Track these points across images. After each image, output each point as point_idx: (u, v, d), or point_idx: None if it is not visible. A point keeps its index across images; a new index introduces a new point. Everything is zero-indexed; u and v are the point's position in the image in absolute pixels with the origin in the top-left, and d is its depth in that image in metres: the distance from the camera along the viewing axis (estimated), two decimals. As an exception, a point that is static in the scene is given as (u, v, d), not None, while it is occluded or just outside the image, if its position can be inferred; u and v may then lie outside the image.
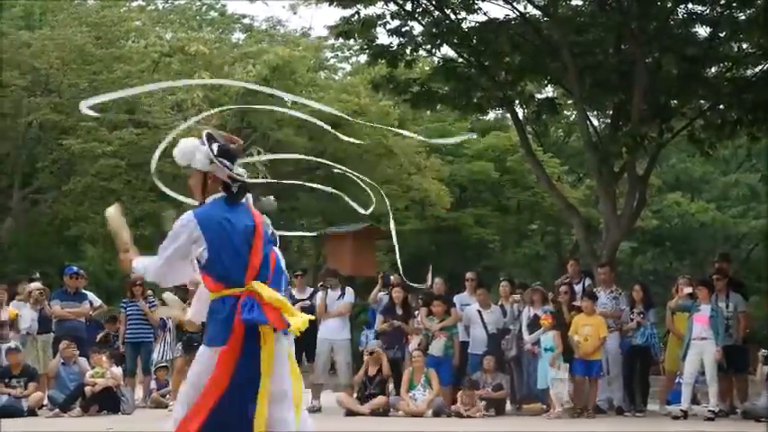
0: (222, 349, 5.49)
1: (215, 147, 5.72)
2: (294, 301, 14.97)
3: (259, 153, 21.60)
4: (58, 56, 24.82)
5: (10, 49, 24.76)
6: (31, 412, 13.85)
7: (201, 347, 5.70)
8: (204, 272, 5.61)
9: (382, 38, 19.40)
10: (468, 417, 13.66)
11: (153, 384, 15.89)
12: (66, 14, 26.92)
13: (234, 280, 5.50)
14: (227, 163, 5.72)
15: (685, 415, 13.50)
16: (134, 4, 31.31)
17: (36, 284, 15.73)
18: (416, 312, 15.11)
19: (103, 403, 14.02)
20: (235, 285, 5.49)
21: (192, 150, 5.76)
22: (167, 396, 15.58)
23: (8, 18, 28.54)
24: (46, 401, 14.38)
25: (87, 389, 13.96)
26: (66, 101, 24.51)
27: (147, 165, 23.05)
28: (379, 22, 18.98)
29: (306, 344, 15.08)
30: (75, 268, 16.70)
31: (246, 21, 33.59)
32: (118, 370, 14.55)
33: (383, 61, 19.71)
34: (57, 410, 13.81)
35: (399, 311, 14.98)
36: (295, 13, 24.34)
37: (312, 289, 15.62)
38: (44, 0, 29.58)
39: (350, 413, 14.06)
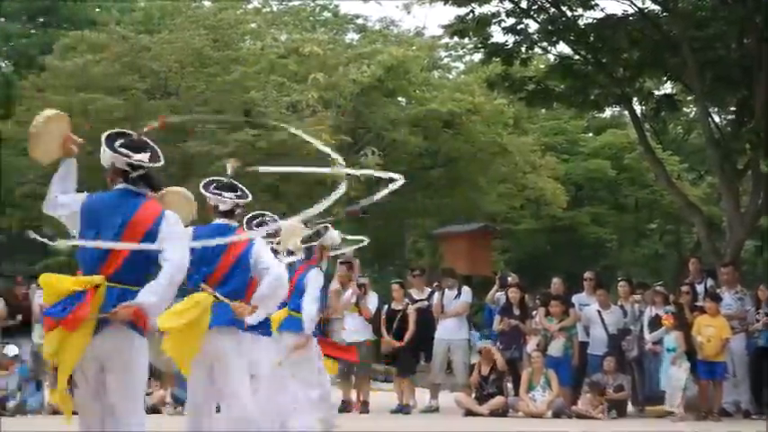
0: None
1: (117, 142, 5.97)
2: (413, 301, 15.00)
3: (373, 153, 21.59)
4: (177, 59, 25.22)
5: (130, 52, 25.23)
6: (154, 410, 14.04)
7: None
8: None
9: (497, 36, 19.32)
10: (591, 418, 13.47)
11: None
12: (183, 18, 27.34)
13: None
14: (125, 151, 5.91)
15: (816, 419, 13.09)
16: (250, 6, 31.67)
17: None
18: (534, 313, 14.98)
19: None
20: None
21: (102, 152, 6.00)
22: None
23: (129, 22, 29.14)
24: (169, 399, 14.58)
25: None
26: (184, 103, 24.90)
27: (263, 165, 23.28)
28: (494, 21, 18.86)
29: (423, 344, 15.10)
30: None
31: (360, 21, 33.71)
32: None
33: (498, 59, 19.59)
34: (179, 408, 13.98)
35: (516, 311, 14.86)
36: (409, 13, 24.33)
37: (430, 289, 15.56)
38: (163, 1, 30.13)
39: (469, 413, 14.00)
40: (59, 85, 24.35)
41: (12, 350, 13.91)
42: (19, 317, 14.85)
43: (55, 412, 12.38)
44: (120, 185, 5.91)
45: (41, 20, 35.78)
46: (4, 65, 38.51)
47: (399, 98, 29.69)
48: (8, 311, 15.10)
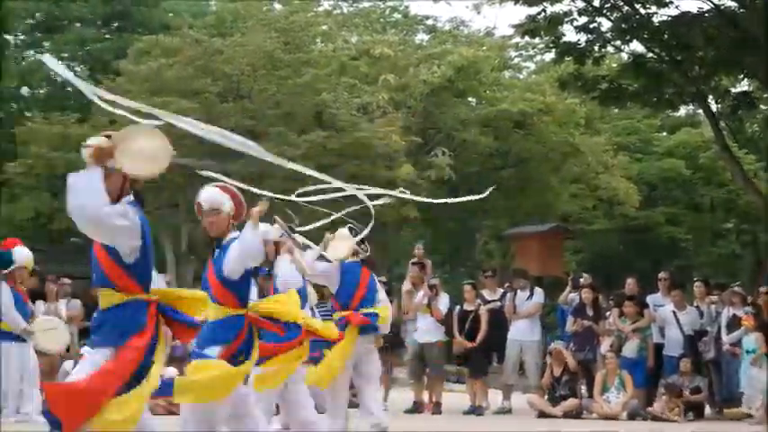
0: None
1: None
2: (485, 302, 14.94)
3: (444, 154, 21.56)
4: (249, 62, 25.41)
5: (203, 56, 25.47)
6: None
7: None
8: None
9: (569, 35, 19.15)
10: (667, 420, 13.30)
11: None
12: (255, 21, 27.54)
13: None
14: None
15: None
16: (320, 8, 31.81)
17: None
18: (607, 313, 14.84)
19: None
20: None
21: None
22: (357, 396, 15.74)
23: (201, 26, 29.41)
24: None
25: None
26: (256, 106, 25.08)
27: (333, 167, 23.49)
28: (566, 19, 18.68)
29: (496, 345, 15.03)
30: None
31: (430, 22, 33.68)
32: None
33: (570, 59, 19.41)
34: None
35: (590, 312, 14.73)
36: (479, 13, 24.19)
37: (502, 290, 15.48)
38: (235, 2, 30.35)
39: (542, 415, 13.91)
40: (134, 90, 24.63)
41: (89, 351, 14.11)
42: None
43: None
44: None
45: (116, 25, 36.25)
46: (79, 70, 39.13)
47: (470, 98, 29.62)
48: (85, 313, 15.33)
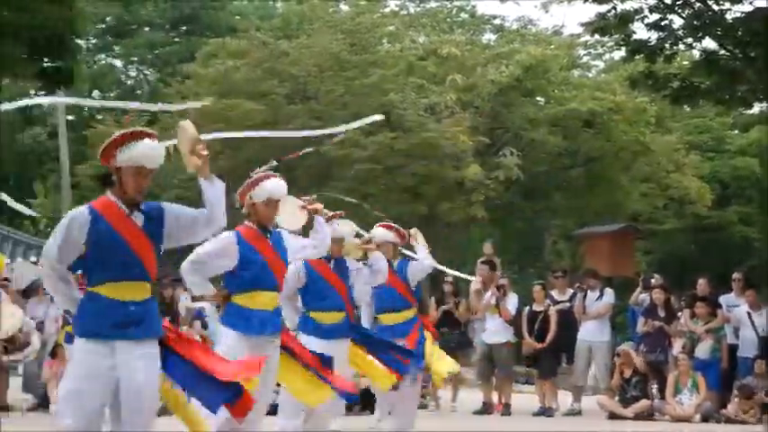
0: None
1: None
2: (555, 303, 14.79)
3: (512, 154, 21.45)
4: (315, 63, 25.48)
5: (270, 58, 25.60)
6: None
7: None
8: None
9: (640, 32, 18.88)
10: (742, 422, 13.05)
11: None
12: (322, 23, 27.62)
13: None
14: None
15: None
16: (387, 9, 31.77)
17: None
18: (679, 314, 14.61)
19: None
20: None
21: None
22: (426, 396, 15.67)
23: (268, 29, 29.56)
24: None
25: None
26: (323, 107, 25.12)
27: (401, 168, 23.45)
28: (636, 17, 18.44)
29: (565, 346, 14.87)
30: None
31: (497, 21, 33.49)
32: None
33: (640, 57, 19.16)
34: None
35: (661, 313, 14.52)
36: (547, 12, 23.91)
37: (572, 290, 15.30)
38: (301, 4, 30.44)
39: (612, 416, 13.73)
40: (202, 92, 24.84)
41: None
42: (167, 318, 15.11)
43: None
44: None
45: (184, 28, 36.67)
46: (148, 73, 39.61)
47: (538, 98, 29.38)
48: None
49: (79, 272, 5.84)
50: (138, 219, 5.62)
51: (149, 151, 5.65)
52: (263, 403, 6.93)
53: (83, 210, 5.61)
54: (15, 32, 16.11)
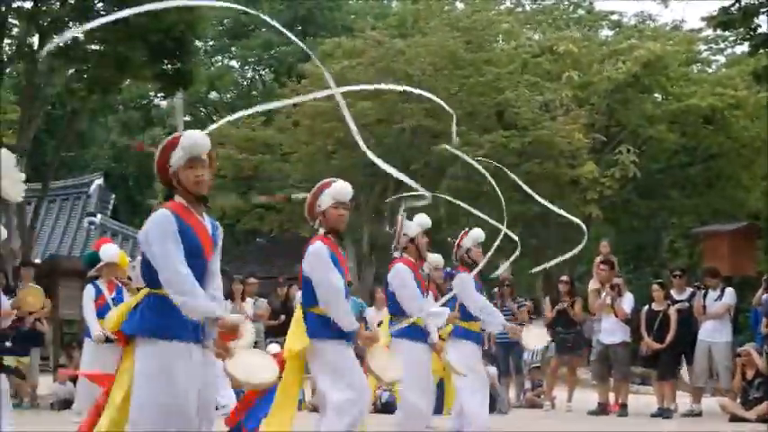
0: None
1: None
2: (673, 302, 14.51)
3: (629, 151, 21.09)
4: (431, 62, 25.47)
5: (385, 57, 25.69)
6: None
7: None
8: None
9: (765, 26, 18.40)
10: None
11: (527, 384, 15.99)
12: (437, 21, 27.61)
13: None
14: None
15: None
16: (503, 6, 31.61)
17: None
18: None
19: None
20: None
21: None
22: (542, 396, 15.61)
23: (383, 27, 29.68)
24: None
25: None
26: (437, 106, 25.07)
27: (515, 166, 23.32)
28: (762, 10, 17.99)
29: (685, 346, 14.58)
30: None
31: (615, 17, 33.00)
32: (492, 369, 14.60)
33: (765, 51, 18.67)
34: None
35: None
36: (666, 6, 23.52)
37: (691, 290, 15.00)
38: (417, 2, 30.47)
39: (734, 418, 13.39)
40: (317, 92, 25.06)
41: (274, 348, 14.37)
42: (282, 317, 15.30)
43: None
44: None
45: (299, 28, 37.02)
46: (264, 73, 40.14)
47: (655, 94, 28.91)
48: (271, 312, 15.66)
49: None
50: (208, 224, 5.54)
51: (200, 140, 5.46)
52: None
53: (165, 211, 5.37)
54: (141, 36, 16.47)
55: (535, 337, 10.37)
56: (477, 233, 9.60)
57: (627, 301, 14.65)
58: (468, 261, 9.46)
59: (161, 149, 5.46)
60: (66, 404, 13.75)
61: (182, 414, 5.18)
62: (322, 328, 6.77)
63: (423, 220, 8.51)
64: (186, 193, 5.41)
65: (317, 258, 6.79)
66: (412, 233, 8.45)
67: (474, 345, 9.42)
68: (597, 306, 14.85)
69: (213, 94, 39.67)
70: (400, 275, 8.24)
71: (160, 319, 5.24)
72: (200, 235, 5.40)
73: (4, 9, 17.40)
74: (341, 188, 6.94)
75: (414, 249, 8.46)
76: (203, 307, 5.19)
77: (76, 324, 18.12)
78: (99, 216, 26.61)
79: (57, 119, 31.11)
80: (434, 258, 10.53)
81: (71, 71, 18.84)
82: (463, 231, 9.83)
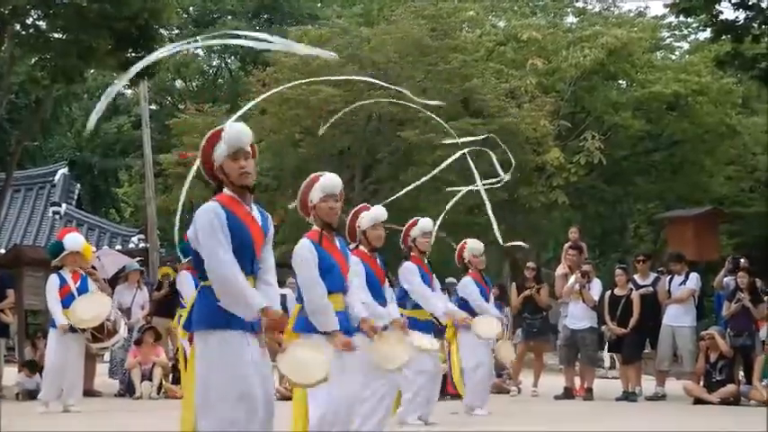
0: None
1: None
2: (637, 287, 14.62)
3: (593, 137, 21.24)
4: (396, 49, 25.42)
5: (351, 45, 25.64)
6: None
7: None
8: None
9: (726, 12, 18.48)
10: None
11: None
12: (403, 9, 27.58)
13: None
14: None
15: None
16: (467, -6, 31.64)
17: None
18: (766, 298, 14.33)
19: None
20: None
21: None
22: (508, 381, 15.67)
23: (349, 16, 29.64)
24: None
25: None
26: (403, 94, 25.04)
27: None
28: (722, -4, 18.06)
29: (649, 330, 14.70)
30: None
31: (579, 4, 33.11)
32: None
33: (727, 37, 18.77)
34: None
35: (747, 297, 14.24)
36: (630, -7, 23.66)
37: (655, 275, 15.11)
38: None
39: (698, 401, 13.53)
40: (283, 79, 24.99)
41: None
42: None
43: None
44: None
45: (265, 16, 36.90)
46: (230, 62, 39.99)
47: (620, 81, 29.06)
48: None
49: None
50: (257, 214, 5.56)
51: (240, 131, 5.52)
52: None
53: (212, 204, 5.40)
54: (106, 24, 16.35)
55: (487, 327, 10.70)
56: (425, 223, 9.75)
57: (595, 288, 14.73)
58: (415, 250, 9.71)
59: (203, 145, 5.53)
60: (31, 395, 13.68)
61: (246, 398, 5.16)
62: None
63: (377, 212, 8.35)
64: (232, 185, 5.44)
65: (298, 256, 6.77)
66: (364, 226, 8.33)
67: (420, 334, 9.41)
68: (565, 291, 14.91)
69: (178, 83, 39.48)
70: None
71: (213, 310, 5.25)
72: (249, 225, 5.42)
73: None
74: (329, 180, 6.85)
75: (365, 241, 8.36)
76: (246, 299, 5.19)
77: (41, 314, 18.00)
78: (64, 206, 26.47)
79: (20, 108, 30.88)
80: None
81: (34, 60, 18.68)
82: (411, 221, 9.93)
